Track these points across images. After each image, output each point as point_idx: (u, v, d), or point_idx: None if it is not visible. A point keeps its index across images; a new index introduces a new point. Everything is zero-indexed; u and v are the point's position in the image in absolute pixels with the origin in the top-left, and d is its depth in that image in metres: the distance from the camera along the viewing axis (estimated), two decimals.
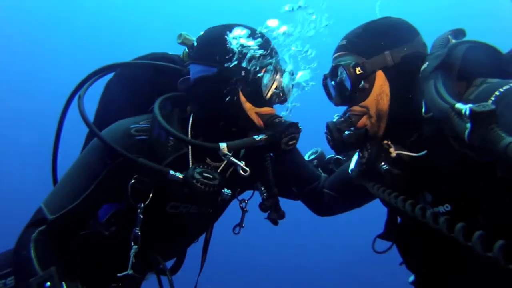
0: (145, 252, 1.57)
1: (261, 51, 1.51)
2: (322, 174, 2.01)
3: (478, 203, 1.21)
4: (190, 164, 1.56)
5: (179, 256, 2.01)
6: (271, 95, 1.55)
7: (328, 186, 1.91)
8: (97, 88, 1.78)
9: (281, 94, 1.57)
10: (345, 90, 1.41)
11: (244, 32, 1.53)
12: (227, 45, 1.51)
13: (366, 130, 1.41)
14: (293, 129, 1.53)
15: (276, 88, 1.56)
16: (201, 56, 1.59)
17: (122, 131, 1.54)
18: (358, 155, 1.51)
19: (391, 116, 1.38)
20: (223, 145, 1.44)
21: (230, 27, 1.55)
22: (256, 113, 1.55)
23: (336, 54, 1.49)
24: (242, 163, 1.48)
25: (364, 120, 1.42)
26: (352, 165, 1.59)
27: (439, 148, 1.28)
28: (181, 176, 1.47)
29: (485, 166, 1.06)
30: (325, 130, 1.49)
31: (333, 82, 1.47)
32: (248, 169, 1.49)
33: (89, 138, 1.72)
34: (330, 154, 2.11)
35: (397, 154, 1.39)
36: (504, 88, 1.11)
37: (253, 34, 1.54)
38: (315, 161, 2.11)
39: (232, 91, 1.50)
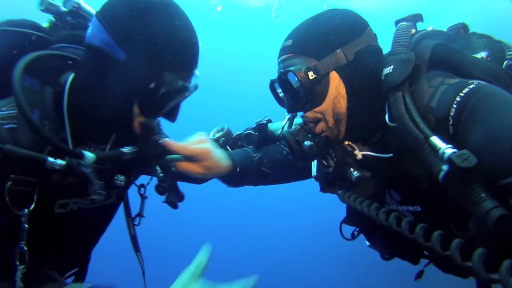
0: (35, 269, 1.28)
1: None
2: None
3: (448, 209, 1.19)
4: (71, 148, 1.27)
5: (82, 262, 1.73)
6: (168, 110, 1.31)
7: (268, 165, 1.74)
8: None
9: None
10: (297, 97, 1.29)
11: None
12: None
13: (326, 137, 1.32)
14: (161, 149, 1.37)
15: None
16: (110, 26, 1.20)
17: None
18: (320, 161, 1.41)
19: (351, 118, 1.28)
20: (91, 156, 1.22)
21: None
22: (140, 121, 1.30)
23: (282, 57, 1.33)
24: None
25: (321, 125, 1.32)
26: (314, 171, 1.49)
27: (405, 154, 1.22)
28: (63, 163, 1.20)
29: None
30: (282, 142, 1.38)
31: (281, 89, 1.35)
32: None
33: None
34: (237, 130, 1.98)
35: (363, 155, 1.31)
36: (464, 92, 1.04)
37: None
38: (222, 139, 1.93)
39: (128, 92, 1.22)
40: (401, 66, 1.17)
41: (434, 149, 0.99)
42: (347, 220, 1.57)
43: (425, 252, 1.51)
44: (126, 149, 1.31)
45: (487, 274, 0.85)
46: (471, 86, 1.04)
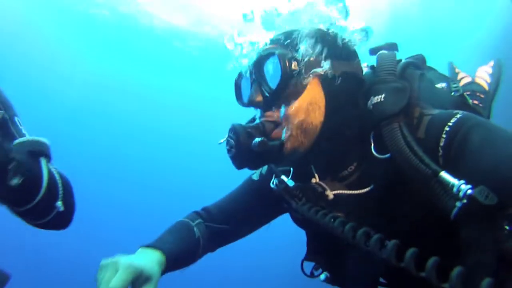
0: None
1: None
2: None
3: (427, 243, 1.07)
4: None
5: None
6: None
7: (220, 219, 1.49)
8: None
9: None
10: (268, 85, 1.16)
11: None
12: None
13: (282, 144, 1.13)
14: None
15: None
16: None
17: None
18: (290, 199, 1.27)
19: (323, 135, 1.15)
20: None
21: None
22: None
23: (266, 47, 1.21)
24: None
25: (279, 132, 1.14)
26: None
27: (394, 186, 1.11)
28: None
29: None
30: (228, 134, 1.17)
31: (253, 75, 1.20)
32: None
33: None
34: None
35: (334, 195, 1.19)
36: (452, 121, 1.02)
37: None
38: None
39: None
40: (395, 95, 1.10)
41: (444, 185, 0.95)
42: (308, 257, 1.45)
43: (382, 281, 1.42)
44: None
45: None
46: (457, 116, 1.03)
